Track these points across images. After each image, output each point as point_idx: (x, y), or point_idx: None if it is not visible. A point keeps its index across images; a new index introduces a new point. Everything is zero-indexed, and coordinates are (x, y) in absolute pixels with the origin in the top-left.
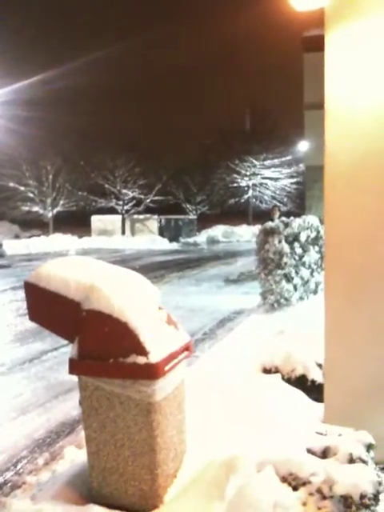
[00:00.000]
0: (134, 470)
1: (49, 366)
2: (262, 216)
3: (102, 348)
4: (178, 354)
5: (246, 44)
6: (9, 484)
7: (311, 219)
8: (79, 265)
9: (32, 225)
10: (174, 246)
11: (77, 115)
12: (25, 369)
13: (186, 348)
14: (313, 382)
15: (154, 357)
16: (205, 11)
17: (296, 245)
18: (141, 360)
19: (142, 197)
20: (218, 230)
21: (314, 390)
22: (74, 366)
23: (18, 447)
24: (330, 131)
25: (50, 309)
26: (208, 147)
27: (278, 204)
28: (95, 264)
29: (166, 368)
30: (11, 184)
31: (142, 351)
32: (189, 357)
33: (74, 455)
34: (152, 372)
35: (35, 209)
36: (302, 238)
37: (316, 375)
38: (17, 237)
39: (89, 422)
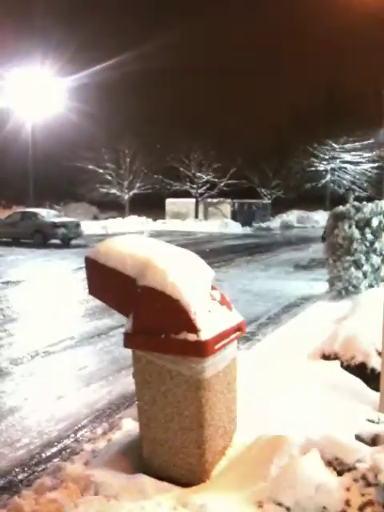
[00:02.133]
0: (182, 444)
1: (115, 341)
2: (339, 201)
3: (154, 323)
4: (230, 334)
5: (323, 20)
6: (68, 450)
7: None
8: (136, 243)
9: (109, 207)
10: (247, 230)
11: (152, 98)
12: (92, 343)
13: (238, 328)
14: (372, 370)
15: (205, 335)
16: None
17: (367, 230)
18: (191, 337)
19: (216, 180)
20: (292, 215)
21: (372, 379)
22: (128, 340)
23: (79, 416)
24: None
25: (107, 284)
26: (285, 130)
27: (355, 188)
28: (152, 242)
29: (217, 346)
30: (90, 166)
31: (193, 329)
32: (240, 336)
33: (131, 427)
34: (202, 349)
35: (112, 191)
36: (374, 223)
37: (376, 364)
38: (95, 218)
39: (141, 394)
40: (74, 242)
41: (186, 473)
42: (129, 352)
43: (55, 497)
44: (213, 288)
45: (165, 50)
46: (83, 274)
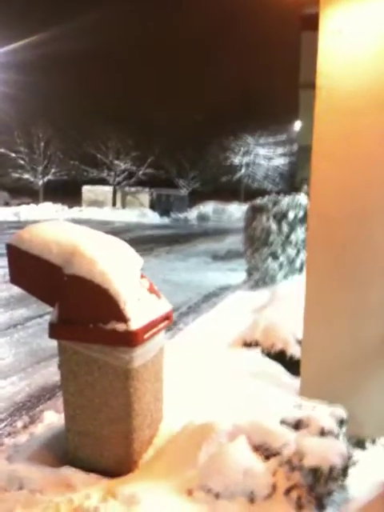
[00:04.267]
0: (109, 435)
1: (33, 332)
2: (254, 194)
3: (82, 313)
4: (158, 323)
5: (243, 18)
6: None
7: (300, 198)
8: (62, 229)
9: (22, 192)
10: (165, 220)
11: (70, 81)
12: (8, 334)
13: (167, 317)
14: (291, 357)
15: (134, 324)
16: None
17: (284, 223)
18: (120, 327)
19: (135, 169)
20: (209, 207)
21: (292, 365)
22: (54, 330)
23: None
24: (319, 108)
25: (31, 272)
26: (202, 122)
27: (268, 182)
28: (78, 229)
29: (145, 336)
30: (1, 150)
31: (122, 318)
32: (169, 325)
33: (53, 419)
34: (131, 339)
35: (26, 176)
36: (290, 216)
37: (295, 351)
38: (6, 204)
39: (67, 385)
40: None
41: (113, 464)
42: (48, 343)
43: None
44: (141, 276)
45: (88, 32)
46: None
